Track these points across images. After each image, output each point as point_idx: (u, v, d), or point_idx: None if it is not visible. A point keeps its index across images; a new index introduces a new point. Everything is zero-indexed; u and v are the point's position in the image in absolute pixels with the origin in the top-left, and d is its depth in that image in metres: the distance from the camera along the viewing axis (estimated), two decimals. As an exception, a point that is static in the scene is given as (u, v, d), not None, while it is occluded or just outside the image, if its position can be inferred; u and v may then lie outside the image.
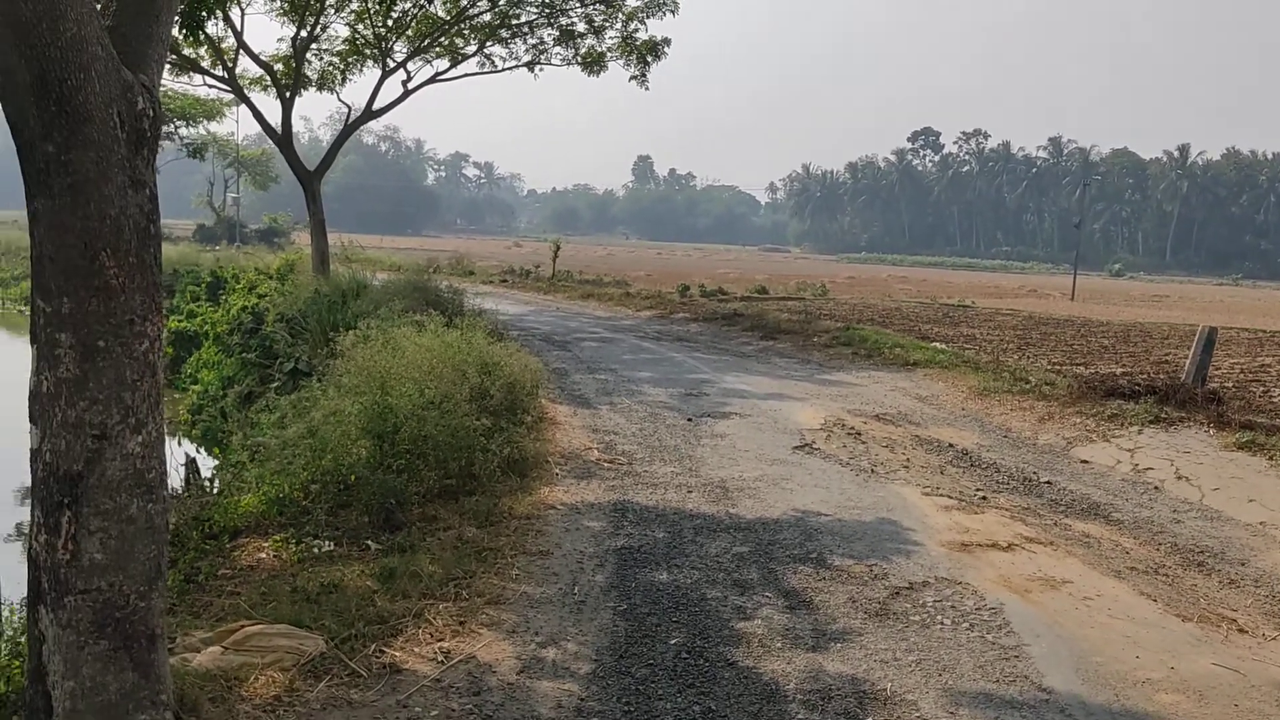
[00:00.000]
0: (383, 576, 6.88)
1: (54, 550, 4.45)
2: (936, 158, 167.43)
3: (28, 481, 13.03)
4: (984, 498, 9.92)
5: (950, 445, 12.25)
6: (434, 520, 8.35)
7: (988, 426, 13.63)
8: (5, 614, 7.89)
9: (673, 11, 24.00)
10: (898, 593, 7.15)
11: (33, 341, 4.53)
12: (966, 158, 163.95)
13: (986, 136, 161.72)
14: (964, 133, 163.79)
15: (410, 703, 5.31)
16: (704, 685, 5.66)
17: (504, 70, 26.13)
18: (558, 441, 11.49)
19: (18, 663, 5.52)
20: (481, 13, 24.10)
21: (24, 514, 13.90)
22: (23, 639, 6.09)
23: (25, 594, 7.34)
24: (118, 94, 4.40)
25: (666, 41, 24.90)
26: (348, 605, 6.31)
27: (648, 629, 6.38)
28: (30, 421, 4.55)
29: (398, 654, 5.80)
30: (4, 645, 6.65)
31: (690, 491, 9.69)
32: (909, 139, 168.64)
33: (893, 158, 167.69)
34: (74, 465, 4.43)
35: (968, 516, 9.18)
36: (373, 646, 5.84)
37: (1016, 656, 6.18)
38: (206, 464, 15.49)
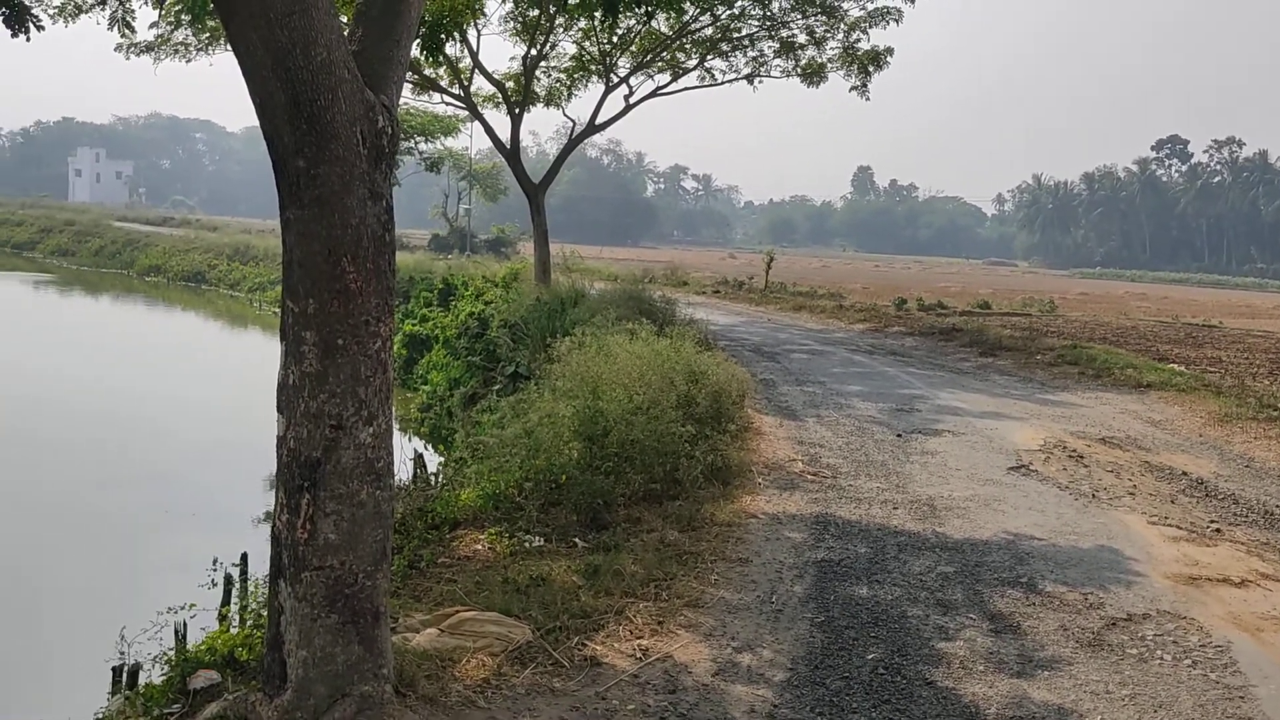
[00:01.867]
0: (588, 573, 7.14)
1: (294, 529, 4.89)
2: (1184, 167, 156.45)
3: (273, 470, 14.07)
4: (1218, 530, 9.25)
5: (1183, 473, 11.47)
6: (638, 522, 8.56)
7: (1227, 455, 12.67)
8: (251, 589, 8.67)
9: (896, 21, 23.58)
10: (1114, 624, 6.79)
11: (282, 338, 5.01)
12: (1218, 167, 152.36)
13: (1241, 145, 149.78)
14: (1215, 141, 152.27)
15: (609, 695, 5.49)
16: (900, 702, 5.58)
17: (723, 83, 26.45)
18: (762, 452, 11.52)
19: (258, 634, 6.05)
20: (703, 27, 24.46)
21: (267, 501, 15.19)
22: (261, 613, 6.70)
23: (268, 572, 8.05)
24: (361, 113, 4.81)
25: (889, 51, 24.48)
26: (554, 598, 6.59)
27: (845, 642, 6.34)
28: (278, 411, 5.02)
29: (599, 648, 6.01)
30: (248, 618, 7.33)
31: (896, 508, 9.51)
32: (1153, 147, 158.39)
33: (1134, 168, 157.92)
34: (313, 452, 4.86)
35: (1198, 549, 8.59)
36: (575, 639, 6.08)
37: (1242, 698, 5.76)
38: (433, 460, 16.41)
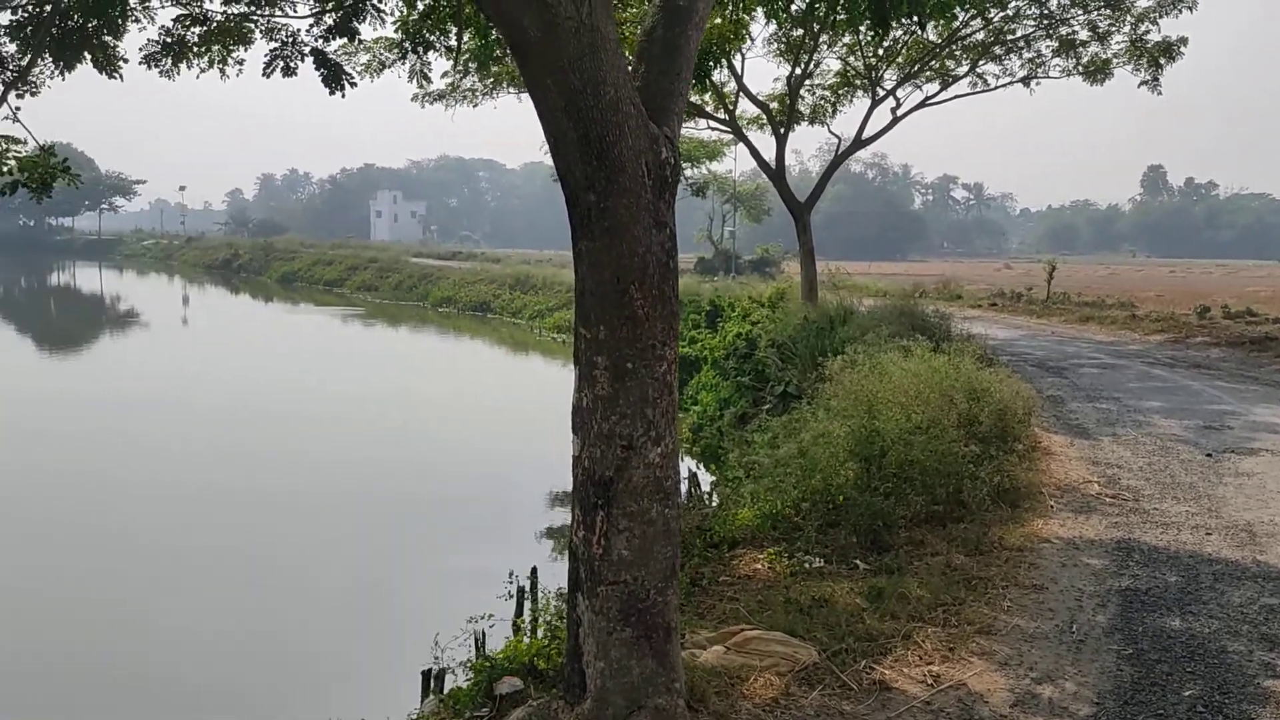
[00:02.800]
0: (871, 596, 7.03)
1: (590, 545, 5.13)
2: None
3: (556, 488, 14.88)
4: None
5: None
6: (921, 545, 8.34)
7: None
8: (541, 603, 9.13)
9: (1190, 8, 21.82)
10: None
11: (575, 363, 5.28)
12: None
13: None
14: None
15: (899, 721, 5.39)
16: (1225, 746, 5.13)
17: (996, 88, 25.41)
18: (1052, 472, 10.92)
19: (555, 644, 6.36)
20: (974, 32, 23.63)
21: (555, 517, 15.94)
22: (556, 624, 7.05)
23: (558, 586, 8.44)
24: (645, 146, 5.01)
25: (1183, 41, 22.68)
26: (838, 620, 6.53)
27: (1157, 677, 5.90)
28: (573, 432, 5.29)
29: (887, 672, 5.90)
30: (541, 628, 7.72)
31: (1209, 534, 8.75)
32: None
33: None
34: (606, 471, 5.08)
35: None
36: (863, 662, 6.00)
37: None
38: (705, 479, 16.67)
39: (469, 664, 7.71)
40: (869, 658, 6.07)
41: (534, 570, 10.96)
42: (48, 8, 9.14)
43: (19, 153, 9.62)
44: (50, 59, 9.49)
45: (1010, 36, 23.85)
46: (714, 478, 17.77)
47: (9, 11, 9.34)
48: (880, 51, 23.90)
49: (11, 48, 9.51)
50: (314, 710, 9.66)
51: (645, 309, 5.04)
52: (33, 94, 9.82)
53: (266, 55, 9.63)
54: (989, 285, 47.36)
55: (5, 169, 9.54)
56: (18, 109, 9.54)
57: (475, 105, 23.53)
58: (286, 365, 35.37)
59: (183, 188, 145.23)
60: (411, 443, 22.32)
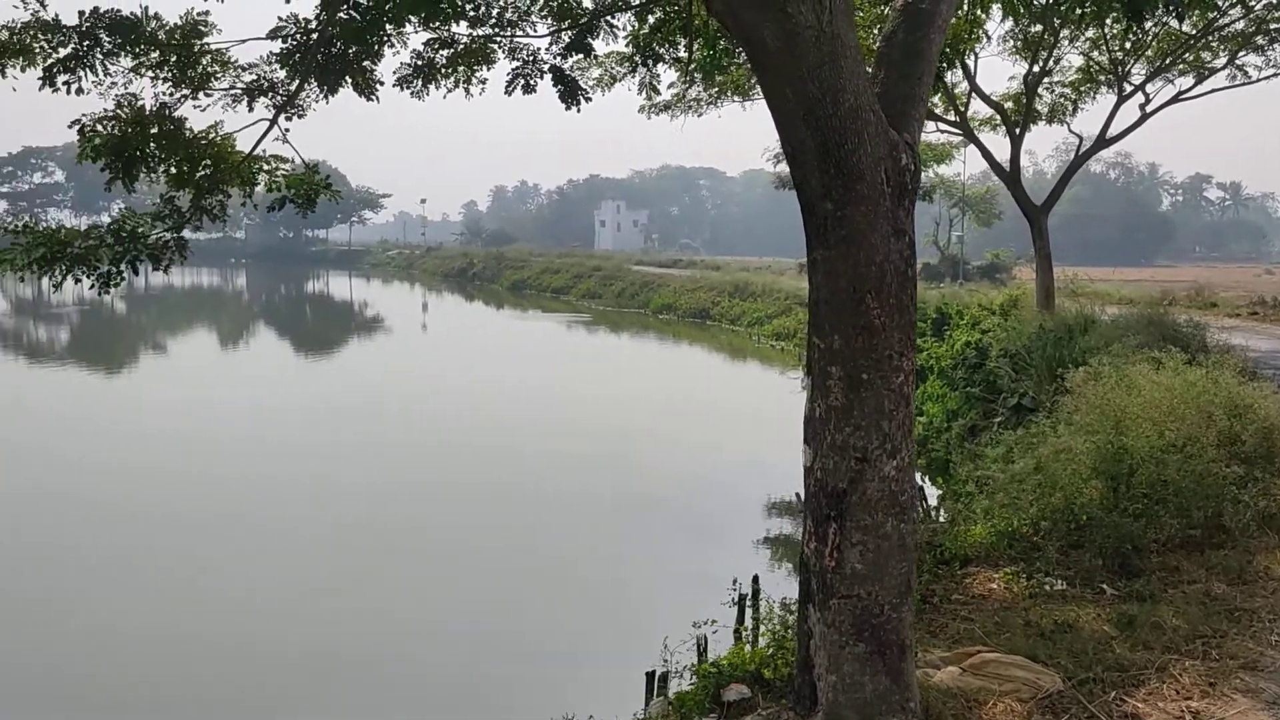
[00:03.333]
0: (1121, 623, 6.61)
1: (821, 557, 5.08)
2: None
3: (775, 496, 14.72)
4: None
5: None
6: (1175, 571, 7.78)
7: None
8: (764, 611, 9.11)
9: None
10: None
11: (808, 373, 5.24)
12: None
13: None
14: None
15: (1153, 760, 5.04)
16: None
17: (1258, 80, 23.39)
18: (1329, 498, 9.92)
19: (781, 654, 6.32)
20: (1233, 21, 21.86)
21: (774, 525, 15.87)
22: (781, 634, 7.00)
23: (781, 595, 8.38)
24: (885, 153, 4.92)
25: None
26: (1083, 647, 6.18)
27: None
28: (805, 443, 5.25)
29: (1140, 705, 5.53)
30: (765, 637, 7.69)
31: None
32: None
33: None
34: (839, 483, 5.02)
35: None
36: (1112, 694, 5.65)
37: None
38: (931, 493, 16.17)
39: (693, 668, 7.80)
40: (1119, 689, 5.70)
41: (755, 578, 10.96)
42: (314, 36, 9.91)
43: (287, 171, 10.45)
44: (315, 84, 10.28)
45: (1276, 25, 21.91)
46: (940, 492, 17.22)
47: (279, 40, 10.17)
48: (1128, 45, 22.48)
49: (281, 74, 10.34)
50: (543, 704, 10.03)
51: (882, 318, 4.95)
52: (300, 117, 10.63)
53: (508, 74, 10.09)
54: (1247, 292, 43.61)
55: (274, 186, 10.40)
56: (286, 130, 10.37)
57: (699, 115, 23.77)
58: (517, 369, 36.87)
59: (423, 201, 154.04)
60: (633, 445, 22.78)
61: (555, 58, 10.04)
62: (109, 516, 16.43)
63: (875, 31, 12.00)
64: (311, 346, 45.76)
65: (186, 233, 10.19)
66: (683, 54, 11.82)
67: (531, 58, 10.05)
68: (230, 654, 11.43)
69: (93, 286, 9.34)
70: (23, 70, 9.54)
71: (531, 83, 10.09)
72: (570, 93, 10.06)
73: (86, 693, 10.53)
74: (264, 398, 28.60)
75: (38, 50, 9.21)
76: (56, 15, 9.04)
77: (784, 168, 46.32)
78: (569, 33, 10.39)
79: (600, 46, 10.82)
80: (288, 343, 47.32)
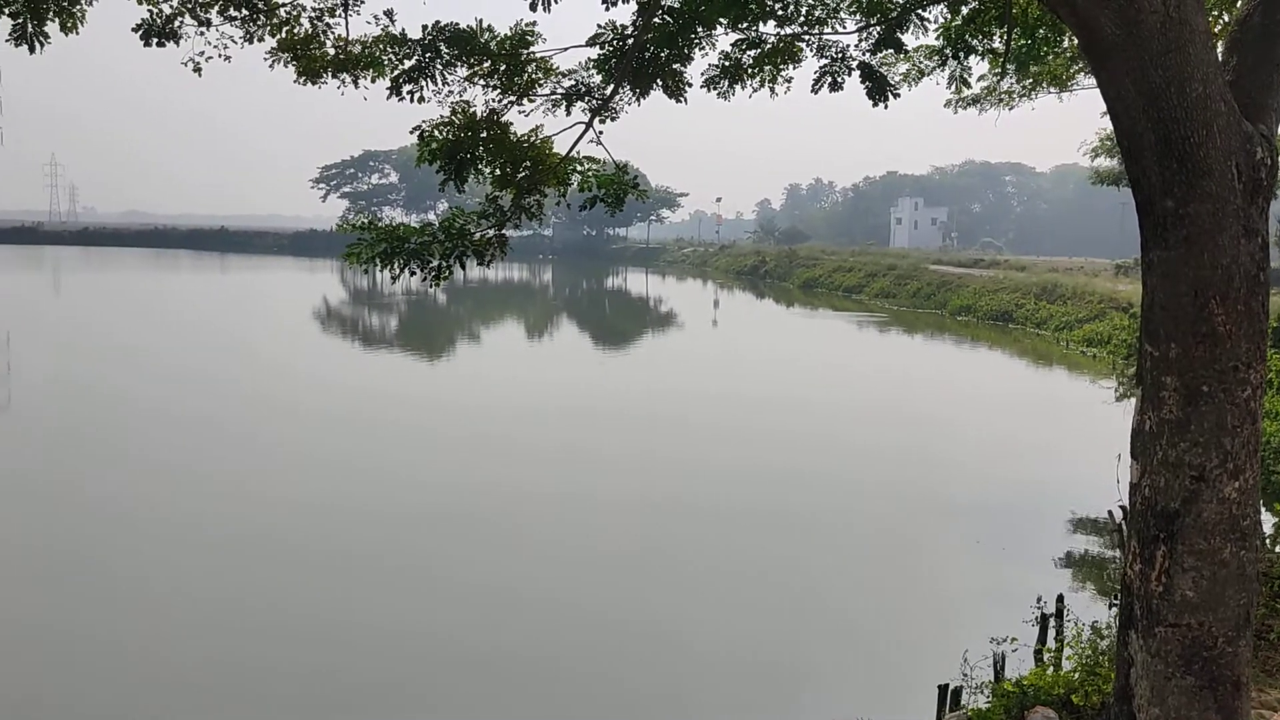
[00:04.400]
0: None
1: (1147, 580, 4.73)
2: None
3: (1079, 512, 13.80)
4: None
5: None
6: None
7: None
8: (1071, 633, 8.58)
9: None
10: None
11: (1138, 383, 4.89)
12: None
13: None
14: None
15: None
16: None
17: None
18: None
19: (1091, 681, 5.95)
20: None
21: (1077, 543, 14.89)
22: (1091, 659, 6.57)
23: (1091, 619, 7.87)
24: (1237, 146, 4.51)
25: None
26: None
27: None
28: (1131, 457, 4.91)
29: None
30: (1072, 661, 7.25)
31: None
32: None
33: None
34: (1171, 503, 4.65)
35: None
36: None
37: None
38: (1267, 519, 14.62)
39: (989, 686, 7.49)
40: None
41: (1060, 598, 10.36)
42: (629, 42, 10.33)
43: (599, 171, 10.95)
44: (628, 87, 10.71)
45: None
46: (1277, 520, 15.52)
47: (597, 47, 10.68)
48: None
49: (597, 79, 10.84)
50: (829, 707, 9.96)
51: (1227, 325, 4.54)
52: (613, 119, 11.10)
53: (815, 72, 10.08)
54: None
55: (586, 186, 10.92)
56: (600, 132, 10.87)
57: (1011, 108, 22.63)
58: (806, 367, 36.72)
59: (719, 199, 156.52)
60: (927, 448, 22.10)
61: (864, 54, 9.93)
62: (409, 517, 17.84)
63: (1223, 17, 11.02)
64: (608, 339, 47.67)
65: (506, 230, 10.92)
66: (997, 45, 11.36)
67: (840, 55, 9.99)
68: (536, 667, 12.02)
69: (425, 279, 10.21)
70: (372, 81, 10.55)
71: (839, 80, 10.03)
72: (878, 89, 9.92)
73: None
74: (552, 393, 30.11)
75: (386, 62, 10.17)
76: (403, 30, 9.94)
77: (1102, 162, 43.30)
78: (878, 28, 10.24)
79: (909, 40, 10.59)
80: (586, 335, 49.53)
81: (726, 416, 25.32)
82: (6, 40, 9.09)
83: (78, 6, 9.13)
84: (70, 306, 56.51)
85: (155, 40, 9.03)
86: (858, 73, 9.93)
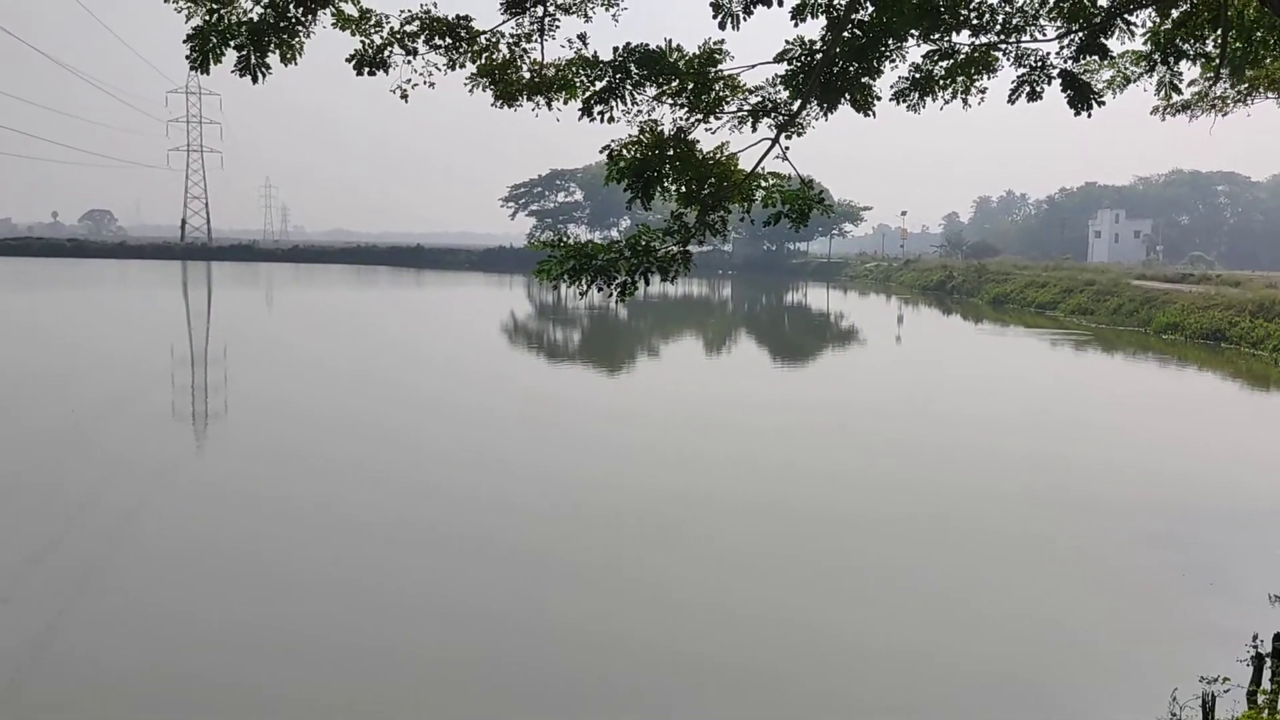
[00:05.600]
0: None
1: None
2: None
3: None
4: None
5: None
6: None
7: None
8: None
9: None
10: None
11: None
12: None
13: None
14: None
15: None
16: None
17: None
18: None
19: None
20: None
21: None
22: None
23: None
24: None
25: None
26: None
27: None
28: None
29: None
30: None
31: None
32: None
33: None
34: None
35: None
36: None
37: None
38: None
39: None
40: None
41: (1277, 636, 9.65)
42: (817, 57, 10.30)
43: (783, 187, 10.96)
44: (815, 102, 10.68)
45: None
46: None
47: (784, 63, 10.69)
48: None
49: (784, 95, 10.86)
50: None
51: None
52: (799, 135, 11.10)
53: (1013, 82, 9.80)
54: None
55: (770, 201, 10.94)
56: (786, 148, 10.88)
57: (1224, 114, 21.31)
58: (996, 384, 35.47)
59: (903, 213, 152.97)
60: (1135, 465, 21.00)
61: (1065, 61, 9.58)
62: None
63: None
64: (788, 354, 47.37)
65: (689, 246, 11.05)
66: (1210, 49, 10.73)
67: (1040, 63, 9.68)
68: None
69: (610, 295, 10.45)
70: (565, 103, 10.91)
71: (1038, 89, 9.73)
72: (1080, 97, 9.54)
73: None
74: (730, 405, 30.11)
75: (578, 84, 10.50)
76: (595, 52, 10.24)
77: (1328, 170, 39.99)
78: (1080, 34, 9.86)
79: (1113, 45, 10.14)
80: (765, 350, 49.35)
81: (925, 433, 24.74)
82: (232, 71, 9.86)
83: (296, 39, 9.81)
84: (281, 319, 60.50)
85: (367, 69, 9.62)
86: (1058, 81, 9.59)
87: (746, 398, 31.15)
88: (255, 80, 9.90)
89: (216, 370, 34.95)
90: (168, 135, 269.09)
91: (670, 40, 9.88)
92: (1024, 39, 9.73)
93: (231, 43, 9.61)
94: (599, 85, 10.10)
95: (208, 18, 9.56)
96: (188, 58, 9.51)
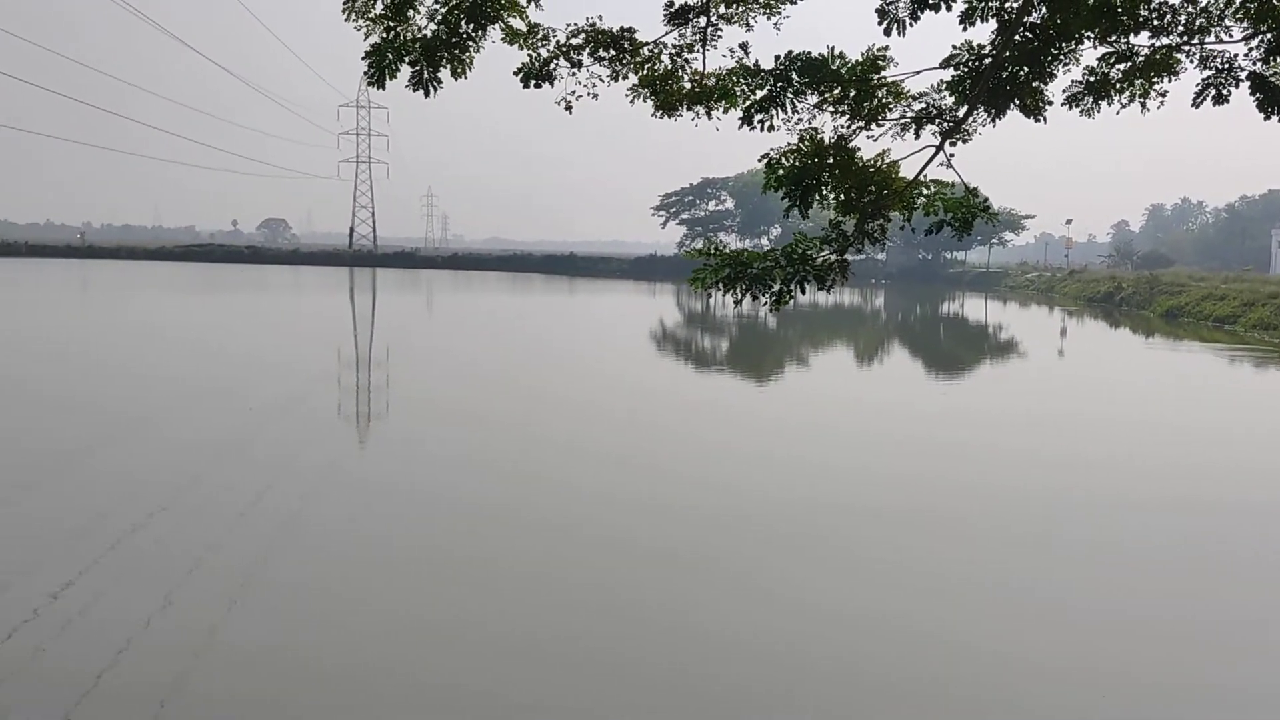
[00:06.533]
0: None
1: None
2: None
3: None
4: None
5: None
6: None
7: None
8: None
9: None
10: None
11: None
12: None
13: None
14: None
15: None
16: None
17: None
18: None
19: None
20: None
21: None
22: None
23: None
24: None
25: None
26: None
27: None
28: None
29: None
30: None
31: None
32: None
33: None
34: None
35: None
36: None
37: None
38: None
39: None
40: None
41: None
42: (985, 61, 10.04)
43: (946, 195, 10.71)
44: (982, 108, 10.41)
45: None
46: None
47: (951, 69, 10.46)
48: None
49: (949, 100, 10.62)
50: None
51: None
52: (964, 141, 10.83)
53: (1197, 85, 9.33)
54: None
55: (931, 210, 10.71)
56: (951, 155, 10.64)
57: None
58: (1173, 402, 33.73)
59: (1069, 221, 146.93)
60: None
61: (1255, 63, 9.06)
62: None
63: None
64: (943, 366, 46.15)
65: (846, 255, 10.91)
66: None
67: (1226, 65, 9.19)
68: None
69: (765, 304, 10.42)
70: (724, 112, 10.94)
71: (1224, 92, 9.23)
72: (1271, 100, 9.01)
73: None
74: (886, 417, 29.53)
75: (739, 93, 10.52)
76: (756, 61, 10.25)
77: None
78: (1269, 35, 9.32)
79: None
80: (919, 361, 48.21)
81: (1090, 451, 23.76)
82: (405, 86, 10.28)
83: (467, 54, 10.15)
84: (440, 323, 62.56)
85: (533, 82, 9.89)
86: (1246, 84, 9.07)
87: (901, 407, 30.52)
88: (427, 94, 10.29)
89: (379, 372, 36.40)
90: (339, 147, 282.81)
91: (833, 48, 9.80)
92: (1208, 40, 9.24)
93: (406, 58, 10.01)
94: (759, 94, 10.10)
95: (385, 35, 9.99)
96: (366, 74, 9.97)
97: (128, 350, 41.88)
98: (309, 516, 16.69)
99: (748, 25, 10.21)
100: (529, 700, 10.19)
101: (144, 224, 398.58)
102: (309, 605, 12.72)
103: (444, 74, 10.15)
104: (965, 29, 9.88)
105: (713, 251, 10.56)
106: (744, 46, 10.02)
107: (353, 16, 9.91)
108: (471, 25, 9.77)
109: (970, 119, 10.48)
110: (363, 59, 9.96)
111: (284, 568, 14.12)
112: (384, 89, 10.29)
